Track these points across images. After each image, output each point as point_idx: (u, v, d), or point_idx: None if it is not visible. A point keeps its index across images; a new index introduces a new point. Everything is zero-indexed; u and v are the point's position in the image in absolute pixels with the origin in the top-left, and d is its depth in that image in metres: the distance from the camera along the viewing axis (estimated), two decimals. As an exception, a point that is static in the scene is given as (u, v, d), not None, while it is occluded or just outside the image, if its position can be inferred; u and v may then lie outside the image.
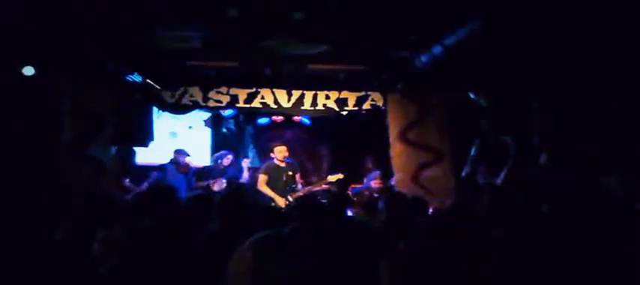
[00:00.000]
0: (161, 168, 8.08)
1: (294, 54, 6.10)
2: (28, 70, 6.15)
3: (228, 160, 8.36)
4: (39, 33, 5.29)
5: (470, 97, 6.81)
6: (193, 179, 8.17)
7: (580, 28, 4.58)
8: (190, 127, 9.86)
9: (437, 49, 5.40)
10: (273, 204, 7.12)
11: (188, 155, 8.39)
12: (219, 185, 8.02)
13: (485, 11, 4.34)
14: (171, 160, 8.25)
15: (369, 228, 4.28)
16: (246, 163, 8.46)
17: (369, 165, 8.70)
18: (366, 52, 6.25)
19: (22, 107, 6.39)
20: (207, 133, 10.17)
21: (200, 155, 9.54)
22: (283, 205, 7.13)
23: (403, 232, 3.57)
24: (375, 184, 7.77)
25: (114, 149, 7.33)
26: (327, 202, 4.73)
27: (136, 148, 8.37)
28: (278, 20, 4.89)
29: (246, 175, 8.34)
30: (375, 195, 7.76)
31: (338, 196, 5.72)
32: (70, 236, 3.60)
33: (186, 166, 8.34)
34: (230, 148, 9.10)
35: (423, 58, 5.91)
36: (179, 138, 9.64)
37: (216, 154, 8.64)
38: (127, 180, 7.52)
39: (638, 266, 2.90)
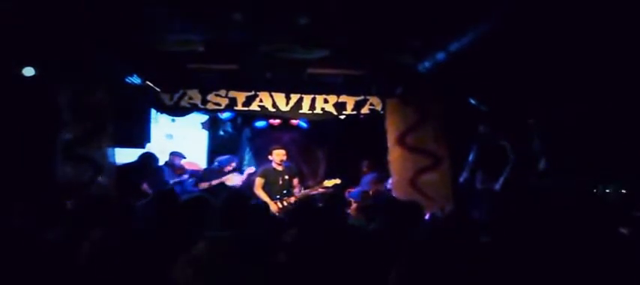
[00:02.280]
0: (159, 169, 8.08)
1: (295, 58, 6.11)
2: (28, 71, 6.15)
3: (231, 166, 8.36)
4: (39, 33, 5.29)
5: (470, 102, 6.83)
6: (190, 181, 8.17)
7: (580, 34, 4.61)
8: (173, 120, 9.72)
9: (440, 55, 5.42)
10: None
11: (184, 157, 8.39)
12: (235, 180, 8.06)
13: (489, 18, 4.36)
14: (167, 162, 8.25)
15: (364, 232, 4.29)
16: (248, 172, 8.44)
17: (365, 168, 8.69)
18: (368, 56, 6.27)
19: (21, 108, 6.39)
20: (203, 136, 10.17)
21: (197, 158, 9.54)
22: (276, 210, 7.10)
23: (400, 237, 3.57)
24: (372, 187, 7.75)
25: (112, 151, 7.29)
26: (323, 204, 4.73)
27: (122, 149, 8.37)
28: (283, 25, 4.90)
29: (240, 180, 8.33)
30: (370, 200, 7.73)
31: (331, 197, 5.69)
32: (63, 236, 3.59)
33: (182, 168, 8.33)
34: (227, 151, 9.09)
35: (427, 64, 5.93)
36: (175, 140, 9.62)
37: (220, 158, 8.61)
38: (145, 184, 7.51)
39: (635, 273, 2.91)
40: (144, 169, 7.66)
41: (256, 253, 2.20)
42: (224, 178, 8.09)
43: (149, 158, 7.79)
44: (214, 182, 8.04)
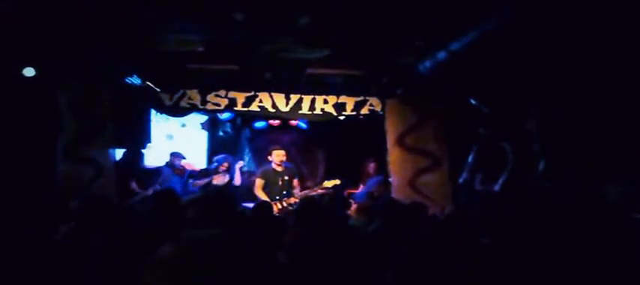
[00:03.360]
0: (157, 170, 8.08)
1: (295, 58, 6.11)
2: (29, 72, 6.15)
3: (224, 167, 8.37)
4: (39, 34, 5.29)
5: (470, 103, 6.82)
6: (189, 181, 8.18)
7: (581, 36, 4.61)
8: (183, 125, 9.82)
9: (441, 55, 5.42)
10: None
11: (184, 158, 8.40)
12: (222, 179, 8.08)
13: (490, 18, 4.36)
14: (167, 162, 8.25)
15: (364, 233, 4.29)
16: (239, 166, 8.45)
17: (371, 170, 8.68)
18: (368, 57, 6.27)
19: (21, 108, 6.39)
20: (203, 136, 10.17)
21: (196, 158, 9.54)
22: (276, 211, 7.08)
23: (401, 238, 3.57)
24: (378, 189, 7.76)
25: (113, 151, 7.31)
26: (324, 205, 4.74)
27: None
28: (284, 25, 4.90)
29: (238, 178, 8.35)
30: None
31: (332, 198, 5.68)
32: (68, 237, 3.59)
33: (182, 168, 8.35)
34: (226, 152, 9.10)
35: (427, 64, 5.93)
36: (175, 140, 9.63)
37: (216, 158, 8.64)
38: (134, 183, 7.52)
39: (635, 274, 2.91)
40: (130, 167, 7.69)
41: (235, 255, 2.17)
42: (213, 178, 8.13)
43: (134, 156, 7.82)
44: (201, 182, 8.09)
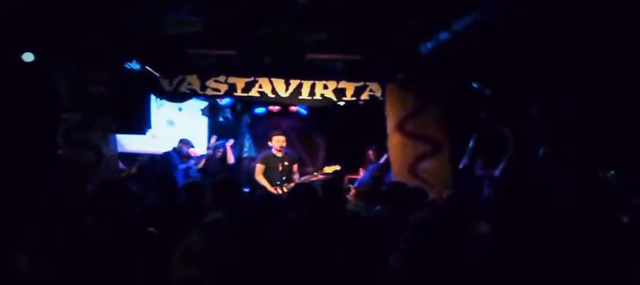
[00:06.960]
0: (164, 155, 8.12)
1: (294, 42, 6.09)
2: (28, 57, 6.14)
3: (219, 152, 8.42)
4: (39, 19, 5.27)
5: (472, 87, 6.81)
6: (192, 168, 8.19)
7: (584, 22, 4.60)
8: (180, 109, 9.77)
9: (444, 35, 5.39)
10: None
11: (192, 146, 8.40)
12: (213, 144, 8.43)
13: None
14: (175, 148, 8.26)
15: (364, 218, 4.30)
16: (229, 144, 8.49)
17: (371, 156, 8.69)
18: (369, 40, 6.24)
19: (20, 93, 6.38)
20: (203, 122, 10.17)
21: (196, 144, 9.55)
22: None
23: (402, 223, 3.58)
24: (376, 175, 7.78)
25: (113, 137, 7.33)
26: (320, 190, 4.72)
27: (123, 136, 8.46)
28: (281, 4, 4.87)
29: (230, 156, 8.42)
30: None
31: (329, 183, 5.67)
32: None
33: (188, 156, 8.36)
34: (227, 137, 9.11)
35: (429, 45, 5.90)
36: (176, 126, 9.63)
37: (216, 143, 8.69)
38: (120, 163, 7.62)
39: (634, 261, 2.92)
40: None
41: (253, 232, 2.18)
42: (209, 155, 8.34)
43: None
44: (203, 162, 8.23)
